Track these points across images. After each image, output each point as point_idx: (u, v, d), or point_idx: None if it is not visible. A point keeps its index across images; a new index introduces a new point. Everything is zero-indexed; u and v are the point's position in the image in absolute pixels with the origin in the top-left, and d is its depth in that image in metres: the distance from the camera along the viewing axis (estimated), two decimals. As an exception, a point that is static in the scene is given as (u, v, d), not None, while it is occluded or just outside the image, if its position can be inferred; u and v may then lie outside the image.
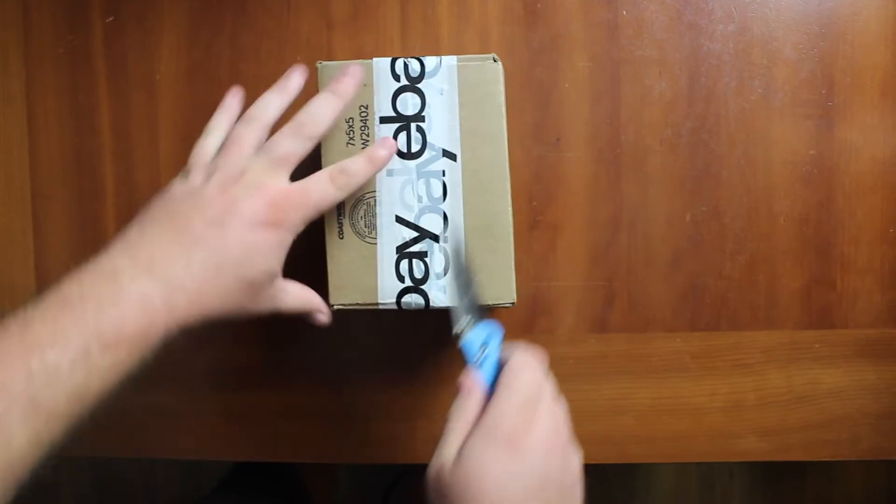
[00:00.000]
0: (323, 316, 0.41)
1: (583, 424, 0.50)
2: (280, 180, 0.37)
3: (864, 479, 1.14)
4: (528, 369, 0.34)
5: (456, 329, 0.35)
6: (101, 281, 0.32)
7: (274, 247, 0.36)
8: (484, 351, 0.34)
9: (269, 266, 0.36)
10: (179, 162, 0.52)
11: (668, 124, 0.48)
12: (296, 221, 0.36)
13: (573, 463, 0.34)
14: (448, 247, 0.38)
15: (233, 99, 0.42)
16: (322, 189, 0.37)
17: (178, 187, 0.37)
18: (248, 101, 0.51)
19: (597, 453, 0.50)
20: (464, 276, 0.37)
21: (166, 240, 0.34)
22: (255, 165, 0.36)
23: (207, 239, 0.34)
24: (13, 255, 0.54)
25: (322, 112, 0.38)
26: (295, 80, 0.40)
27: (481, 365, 0.34)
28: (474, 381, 0.34)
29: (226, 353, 0.52)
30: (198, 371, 0.52)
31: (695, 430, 0.49)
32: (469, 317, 0.36)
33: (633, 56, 0.48)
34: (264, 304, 0.37)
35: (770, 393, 0.49)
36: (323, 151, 0.41)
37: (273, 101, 0.39)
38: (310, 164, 0.39)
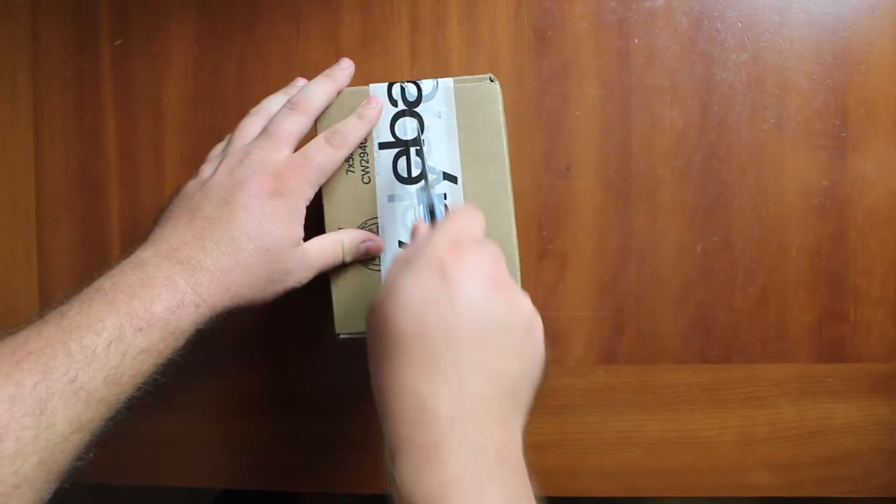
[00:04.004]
0: (372, 244, 0.41)
1: (590, 457, 0.49)
2: (282, 154, 0.38)
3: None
4: (462, 216, 0.34)
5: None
6: (128, 271, 0.34)
7: (284, 213, 0.37)
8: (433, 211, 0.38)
9: (284, 231, 0.37)
10: (185, 185, 0.52)
11: (679, 153, 0.48)
12: (303, 185, 0.38)
13: (520, 302, 0.31)
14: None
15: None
16: (321, 150, 0.39)
17: (191, 184, 0.39)
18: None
19: (603, 487, 0.49)
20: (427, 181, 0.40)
21: (182, 230, 0.36)
22: (257, 147, 0.38)
23: (218, 219, 0.36)
24: (17, 276, 0.54)
25: (316, 90, 0.40)
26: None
27: (430, 218, 0.38)
28: (418, 225, 0.37)
29: (229, 381, 0.51)
30: (201, 399, 0.52)
31: (704, 463, 0.48)
32: (425, 192, 0.39)
33: (644, 84, 0.48)
34: (295, 275, 0.38)
35: (782, 427, 0.48)
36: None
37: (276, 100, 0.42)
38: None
